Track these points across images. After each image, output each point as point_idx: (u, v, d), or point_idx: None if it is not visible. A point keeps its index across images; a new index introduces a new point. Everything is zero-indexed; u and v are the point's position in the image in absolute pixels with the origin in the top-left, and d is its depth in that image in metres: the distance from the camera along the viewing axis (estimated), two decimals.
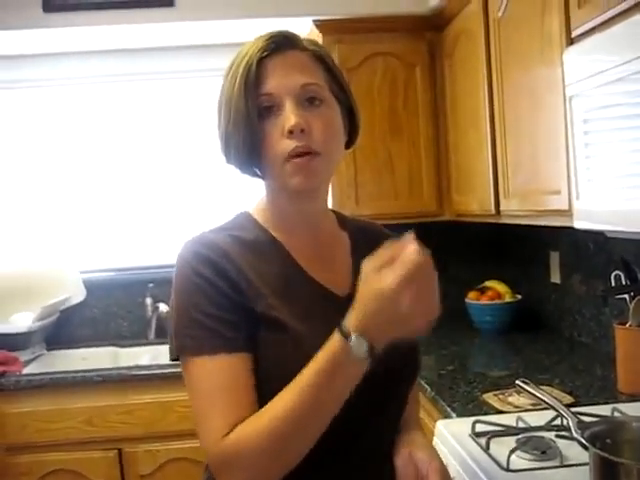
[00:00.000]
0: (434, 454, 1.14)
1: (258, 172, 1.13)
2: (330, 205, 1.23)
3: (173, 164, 3.38)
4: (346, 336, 0.91)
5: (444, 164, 2.97)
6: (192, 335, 1.03)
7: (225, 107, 1.10)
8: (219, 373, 1.01)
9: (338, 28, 2.94)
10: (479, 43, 2.44)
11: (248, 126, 1.07)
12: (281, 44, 1.10)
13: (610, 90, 1.47)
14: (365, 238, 1.23)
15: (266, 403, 0.99)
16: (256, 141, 1.07)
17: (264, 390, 1.01)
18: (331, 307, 1.08)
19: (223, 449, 0.97)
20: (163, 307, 3.11)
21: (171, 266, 1.12)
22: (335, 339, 0.93)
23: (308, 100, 1.09)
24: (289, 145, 1.06)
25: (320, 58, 1.14)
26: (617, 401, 1.87)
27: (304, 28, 3.13)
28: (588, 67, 1.56)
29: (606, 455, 1.08)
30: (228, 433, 0.97)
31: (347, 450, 1.08)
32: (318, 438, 0.98)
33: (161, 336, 3.08)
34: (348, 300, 1.06)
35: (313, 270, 1.14)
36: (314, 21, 3.01)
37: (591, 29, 1.65)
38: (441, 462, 1.12)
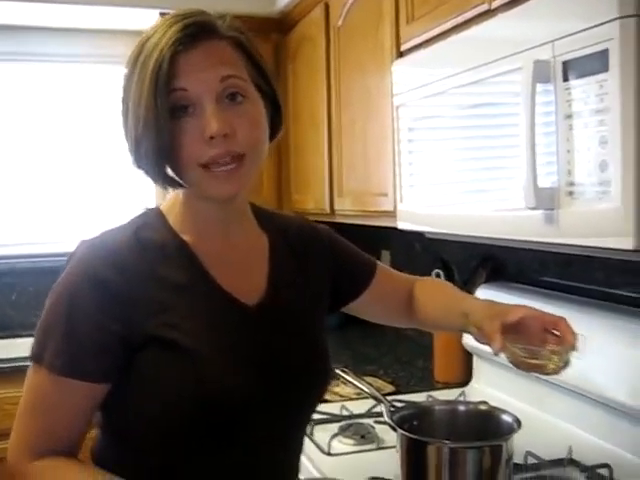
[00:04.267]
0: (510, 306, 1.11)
1: (174, 178, 1.00)
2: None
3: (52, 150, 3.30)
4: None
5: (285, 163, 3.05)
6: (51, 349, 0.96)
7: (134, 107, 0.96)
8: (58, 396, 0.98)
9: None
10: (320, 48, 2.54)
11: (159, 129, 0.94)
12: (197, 34, 0.96)
13: (430, 102, 1.60)
14: (286, 238, 1.17)
15: (153, 421, 0.98)
16: (169, 146, 0.95)
17: (154, 408, 0.98)
18: (237, 318, 1.04)
19: (19, 470, 0.98)
20: None
21: None
22: None
23: (229, 97, 0.97)
24: (209, 152, 0.95)
25: (241, 45, 1.01)
26: (433, 389, 2.04)
27: (151, 20, 3.11)
28: (413, 79, 1.69)
29: (409, 435, 1.18)
30: (32, 457, 0.97)
31: (255, 451, 1.05)
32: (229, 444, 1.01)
33: None
34: (257, 309, 1.05)
35: (223, 277, 1.04)
36: (161, 14, 2.99)
37: (417, 44, 1.78)
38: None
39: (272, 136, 1.08)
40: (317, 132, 2.62)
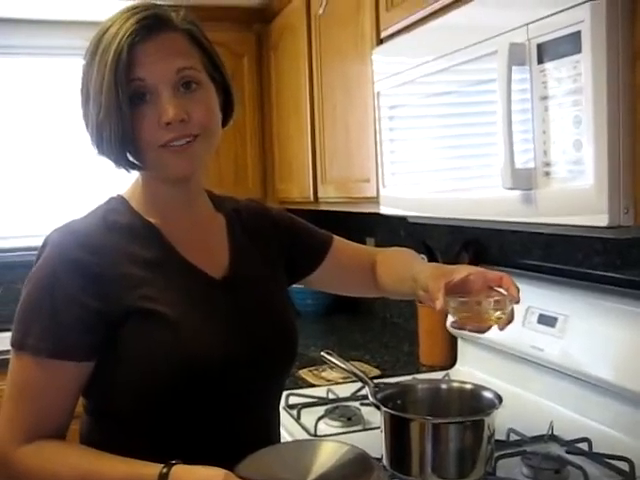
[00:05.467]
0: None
1: (134, 162, 1.07)
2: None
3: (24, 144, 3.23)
4: None
5: (269, 152, 3.07)
6: (35, 333, 1.01)
7: (95, 96, 1.02)
8: (44, 379, 1.01)
9: None
10: (301, 37, 2.55)
11: (121, 116, 1.01)
12: (153, 27, 1.04)
13: (409, 89, 1.61)
14: (240, 218, 1.26)
15: (140, 393, 1.03)
16: (130, 131, 1.02)
17: (139, 380, 1.03)
18: (207, 290, 1.11)
19: (10, 458, 1.00)
20: None
21: None
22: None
23: (184, 85, 1.05)
24: (166, 136, 1.03)
25: (194, 37, 1.09)
26: (418, 372, 2.06)
27: (107, 11, 3.10)
28: (391, 67, 1.70)
29: (393, 412, 1.21)
30: (22, 442, 0.99)
31: (231, 423, 1.10)
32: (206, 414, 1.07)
33: None
34: (224, 282, 1.14)
35: (189, 253, 1.12)
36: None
37: (397, 31, 1.80)
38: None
39: (225, 122, 1.17)
40: (300, 121, 2.63)
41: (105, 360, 1.04)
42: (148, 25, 1.03)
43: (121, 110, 1.01)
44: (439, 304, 1.05)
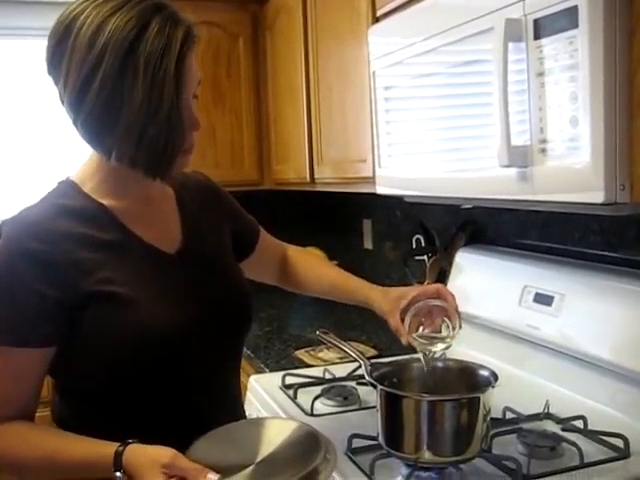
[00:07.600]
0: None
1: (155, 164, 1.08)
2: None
3: None
4: (117, 469, 0.97)
5: (265, 134, 3.05)
6: None
7: (149, 103, 1.01)
8: (5, 365, 1.05)
9: None
10: (297, 17, 2.53)
11: (182, 127, 1.06)
12: (194, 38, 1.07)
13: (405, 67, 1.60)
14: (188, 190, 1.29)
15: (103, 373, 1.08)
16: (182, 137, 1.07)
17: (103, 361, 1.07)
18: (162, 266, 1.15)
19: None
20: None
21: None
22: (108, 459, 0.98)
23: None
24: (192, 141, 1.11)
25: None
26: (415, 352, 2.05)
27: None
28: (386, 46, 1.69)
29: (388, 389, 1.21)
30: None
31: (192, 389, 1.16)
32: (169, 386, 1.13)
33: None
34: (178, 256, 1.18)
35: (143, 231, 1.14)
36: None
37: (393, 9, 1.78)
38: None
39: None
40: (296, 102, 2.61)
41: (69, 342, 1.07)
42: (192, 37, 1.06)
43: (182, 122, 1.05)
44: (404, 341, 1.31)
